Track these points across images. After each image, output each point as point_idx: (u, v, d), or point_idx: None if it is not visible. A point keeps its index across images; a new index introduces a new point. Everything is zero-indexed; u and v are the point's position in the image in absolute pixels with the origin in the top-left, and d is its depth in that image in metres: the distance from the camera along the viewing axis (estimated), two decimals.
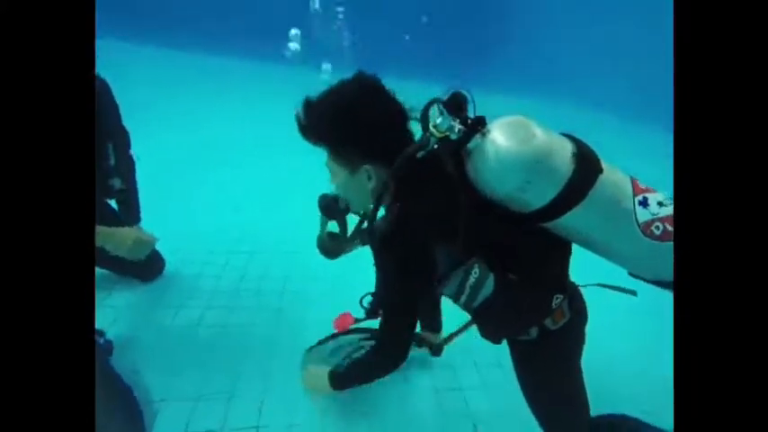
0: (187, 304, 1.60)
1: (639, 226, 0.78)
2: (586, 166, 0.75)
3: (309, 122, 0.84)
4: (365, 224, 0.99)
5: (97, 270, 1.54)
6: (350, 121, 0.81)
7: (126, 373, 1.22)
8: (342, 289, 1.65)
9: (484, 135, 0.76)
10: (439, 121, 0.76)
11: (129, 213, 1.45)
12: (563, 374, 0.98)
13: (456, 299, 0.89)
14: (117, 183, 1.37)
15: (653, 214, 0.78)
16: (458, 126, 0.76)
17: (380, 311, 0.96)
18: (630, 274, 0.88)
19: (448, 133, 0.76)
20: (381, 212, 0.90)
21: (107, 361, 1.24)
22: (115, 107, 1.39)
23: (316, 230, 1.16)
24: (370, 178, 0.85)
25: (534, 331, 0.91)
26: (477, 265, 0.82)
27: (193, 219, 2.19)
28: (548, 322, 0.90)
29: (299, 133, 0.86)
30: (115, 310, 1.50)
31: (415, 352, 1.38)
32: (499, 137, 0.74)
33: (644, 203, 0.79)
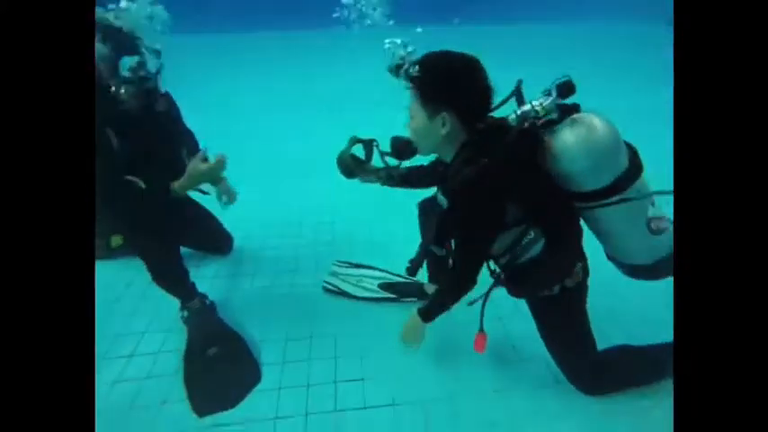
0: (260, 271, 1.91)
1: (647, 221, 1.00)
2: (636, 163, 0.98)
3: (421, 66, 0.97)
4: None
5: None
6: (454, 75, 0.95)
7: (231, 324, 1.56)
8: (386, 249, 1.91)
9: (574, 121, 0.94)
10: (548, 102, 0.95)
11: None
12: (578, 321, 1.20)
13: (501, 255, 1.10)
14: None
15: (654, 212, 0.99)
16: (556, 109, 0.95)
17: (453, 246, 1.14)
18: (608, 256, 1.16)
19: (550, 113, 0.95)
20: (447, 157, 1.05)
21: (216, 316, 1.58)
22: (180, 115, 1.53)
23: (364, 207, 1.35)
24: (444, 125, 0.98)
25: (557, 288, 1.12)
26: (532, 230, 1.03)
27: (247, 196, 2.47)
28: (567, 281, 1.11)
29: (398, 73, 1.02)
30: (206, 280, 1.83)
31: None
32: (585, 125, 0.93)
33: (653, 201, 1.01)
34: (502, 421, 1.25)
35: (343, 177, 1.33)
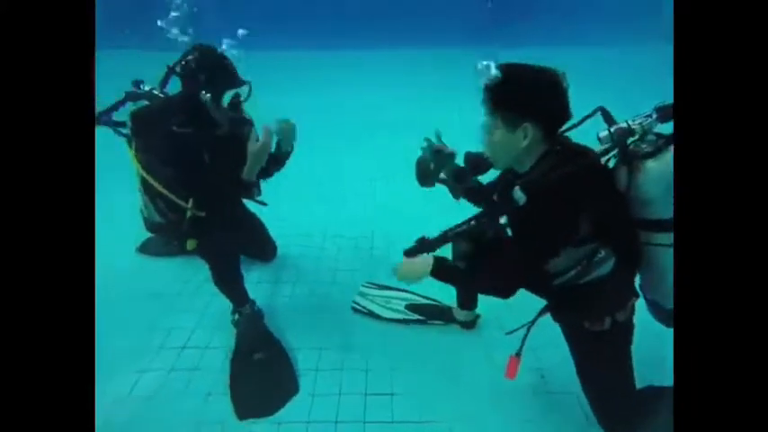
0: (302, 279, 2.04)
1: None
2: None
3: (505, 79, 0.97)
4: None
5: None
6: (536, 86, 0.97)
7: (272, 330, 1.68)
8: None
9: (667, 146, 0.94)
10: (647, 122, 0.97)
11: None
12: (623, 360, 1.17)
13: (566, 272, 1.08)
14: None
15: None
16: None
17: (512, 249, 1.11)
18: (648, 302, 1.14)
19: (647, 134, 0.97)
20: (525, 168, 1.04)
21: (263, 323, 1.70)
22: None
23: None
24: (526, 136, 0.98)
25: (608, 322, 1.09)
26: (603, 249, 1.05)
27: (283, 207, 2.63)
28: (618, 315, 1.10)
29: (484, 92, 1.00)
30: (253, 285, 1.98)
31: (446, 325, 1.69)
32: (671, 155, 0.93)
33: None
34: None
35: (417, 183, 1.36)
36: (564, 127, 1.03)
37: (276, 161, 1.58)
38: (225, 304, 1.70)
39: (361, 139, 3.94)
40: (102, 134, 1.19)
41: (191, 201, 1.42)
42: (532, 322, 1.20)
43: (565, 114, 0.99)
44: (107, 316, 1.40)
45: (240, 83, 1.40)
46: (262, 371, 1.51)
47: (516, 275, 1.06)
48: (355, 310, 1.83)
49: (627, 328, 1.14)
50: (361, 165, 3.30)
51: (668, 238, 1.00)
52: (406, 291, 1.88)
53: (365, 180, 3.02)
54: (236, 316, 1.67)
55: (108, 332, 1.46)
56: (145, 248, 2.22)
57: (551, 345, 1.48)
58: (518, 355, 1.22)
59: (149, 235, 2.16)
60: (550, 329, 1.27)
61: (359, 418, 1.36)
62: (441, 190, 1.42)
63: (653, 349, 1.24)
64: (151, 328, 1.73)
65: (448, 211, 1.52)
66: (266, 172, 1.56)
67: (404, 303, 1.82)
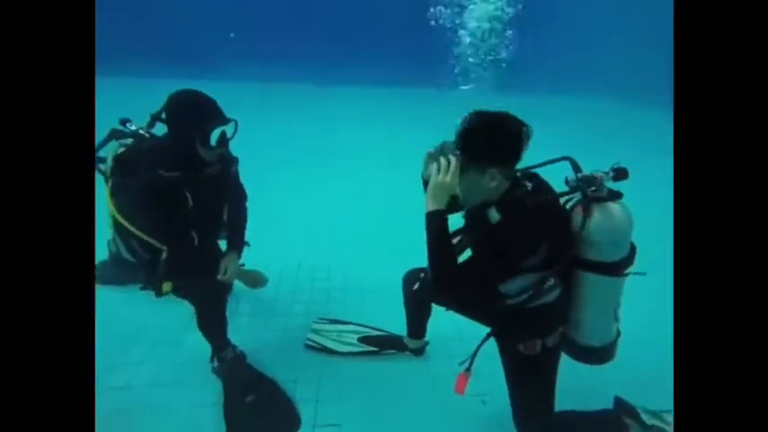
0: (291, 312, 2.06)
1: (616, 306, 1.23)
2: (633, 253, 1.19)
3: (473, 132, 1.10)
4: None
5: None
6: (497, 137, 1.10)
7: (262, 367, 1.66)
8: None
9: (614, 201, 1.14)
10: (605, 178, 1.14)
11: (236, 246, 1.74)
12: (549, 382, 1.31)
13: (518, 295, 1.19)
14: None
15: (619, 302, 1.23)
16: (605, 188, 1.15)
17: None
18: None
19: (600, 188, 1.14)
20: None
21: (247, 364, 1.66)
22: (237, 173, 1.65)
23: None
24: (493, 179, 1.11)
25: (539, 345, 1.23)
26: (552, 278, 1.17)
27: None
28: (548, 340, 1.24)
29: (458, 139, 1.12)
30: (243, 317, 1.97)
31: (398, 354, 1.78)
32: (620, 208, 1.13)
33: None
34: None
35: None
36: (532, 164, 1.19)
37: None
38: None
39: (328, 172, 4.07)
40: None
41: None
42: (481, 344, 1.30)
43: (518, 156, 1.12)
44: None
45: (226, 121, 1.41)
46: (259, 412, 1.48)
47: (467, 281, 1.14)
48: (309, 347, 1.85)
49: (554, 355, 1.29)
50: (327, 199, 3.40)
51: (598, 280, 1.17)
52: (356, 324, 1.94)
53: (331, 214, 3.12)
54: (216, 363, 1.62)
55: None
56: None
57: (492, 374, 1.60)
58: (467, 370, 1.30)
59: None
60: (491, 360, 1.36)
61: None
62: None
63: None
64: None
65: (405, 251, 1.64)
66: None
67: (355, 336, 1.88)
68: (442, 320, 1.72)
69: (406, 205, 2.05)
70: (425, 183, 1.26)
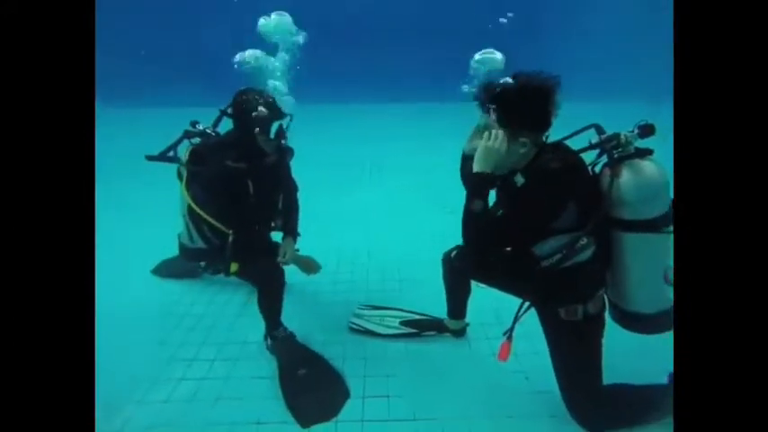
0: (333, 301, 2.17)
1: (665, 269, 1.21)
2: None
3: (507, 99, 1.15)
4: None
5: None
6: (529, 106, 1.15)
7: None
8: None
9: (643, 157, 1.17)
10: (631, 136, 1.17)
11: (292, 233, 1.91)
12: (593, 352, 1.32)
13: (549, 257, 1.23)
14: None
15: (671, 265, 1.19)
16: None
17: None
18: (610, 303, 1.32)
19: (630, 145, 1.16)
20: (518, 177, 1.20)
21: (297, 342, 1.79)
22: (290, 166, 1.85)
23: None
24: (524, 145, 1.17)
25: (581, 312, 1.27)
26: (585, 237, 1.20)
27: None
28: (590, 307, 1.27)
29: (482, 103, 1.19)
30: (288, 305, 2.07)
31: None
32: (652, 164, 1.16)
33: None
34: None
35: None
36: (562, 136, 1.25)
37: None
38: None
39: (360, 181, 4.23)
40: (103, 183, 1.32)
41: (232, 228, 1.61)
42: (520, 309, 1.34)
43: (549, 122, 1.17)
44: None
45: (282, 115, 1.59)
46: (310, 384, 1.61)
47: (494, 241, 1.25)
48: (353, 329, 1.95)
49: (598, 323, 1.31)
50: (362, 200, 3.53)
51: (635, 238, 1.20)
52: (397, 309, 2.03)
53: (365, 216, 3.26)
54: (270, 341, 1.77)
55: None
56: (158, 271, 2.40)
57: (534, 352, 1.66)
58: (509, 338, 1.35)
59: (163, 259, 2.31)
60: (533, 338, 1.43)
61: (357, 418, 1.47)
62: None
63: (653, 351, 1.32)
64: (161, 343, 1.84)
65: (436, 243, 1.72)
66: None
67: (397, 320, 1.97)
68: (481, 305, 1.80)
69: (437, 204, 2.14)
70: (465, 159, 1.35)
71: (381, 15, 8.67)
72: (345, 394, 1.57)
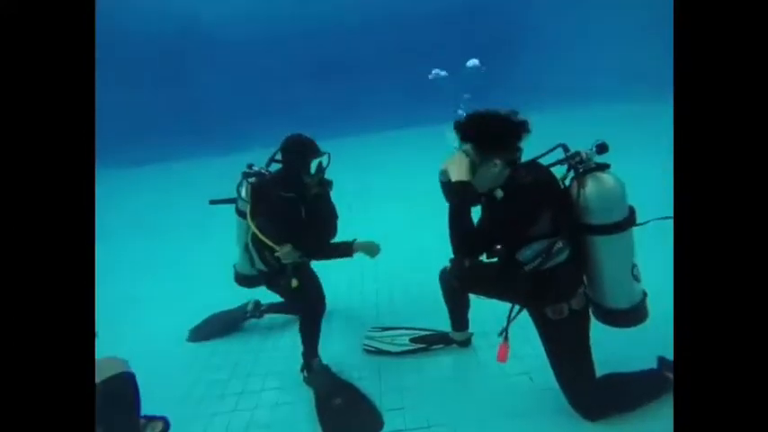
0: (347, 327, 2.19)
1: (632, 266, 1.40)
2: (633, 213, 1.39)
3: (472, 127, 1.36)
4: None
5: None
6: (499, 134, 1.35)
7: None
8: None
9: (603, 170, 1.36)
10: (590, 152, 1.38)
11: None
12: (583, 345, 1.47)
13: (531, 261, 1.38)
14: None
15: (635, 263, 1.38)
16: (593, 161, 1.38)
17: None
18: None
19: (590, 161, 1.36)
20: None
21: (332, 372, 1.89)
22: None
23: None
24: (495, 166, 1.34)
25: (566, 310, 1.42)
26: (560, 241, 1.37)
27: None
28: (573, 303, 1.42)
29: (458, 135, 1.38)
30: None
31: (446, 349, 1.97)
32: (610, 176, 1.35)
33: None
34: None
35: None
36: (535, 156, 1.45)
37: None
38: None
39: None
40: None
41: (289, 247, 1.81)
42: (510, 313, 1.48)
43: (515, 149, 1.37)
44: None
45: (321, 154, 1.90)
46: (343, 413, 1.71)
47: (478, 246, 1.40)
48: (367, 351, 2.10)
49: (582, 318, 1.46)
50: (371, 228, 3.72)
51: (602, 240, 1.37)
52: (406, 328, 2.18)
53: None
54: (306, 373, 1.91)
55: None
56: (196, 335, 2.44)
57: (535, 354, 1.77)
58: (505, 339, 1.47)
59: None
60: (533, 341, 1.56)
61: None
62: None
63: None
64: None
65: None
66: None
67: (407, 338, 2.11)
68: (485, 317, 1.94)
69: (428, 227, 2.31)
70: (443, 185, 1.56)
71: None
72: (380, 424, 1.65)
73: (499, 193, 1.38)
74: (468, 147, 1.39)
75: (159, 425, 1.19)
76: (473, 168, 1.37)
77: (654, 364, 1.61)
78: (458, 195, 1.37)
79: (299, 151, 1.86)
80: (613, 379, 1.53)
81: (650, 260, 1.56)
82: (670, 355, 1.60)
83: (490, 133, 1.36)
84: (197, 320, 2.49)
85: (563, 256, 1.40)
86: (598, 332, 1.49)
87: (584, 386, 1.49)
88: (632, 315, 1.43)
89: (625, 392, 1.52)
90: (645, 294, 1.46)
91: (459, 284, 1.76)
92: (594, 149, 1.38)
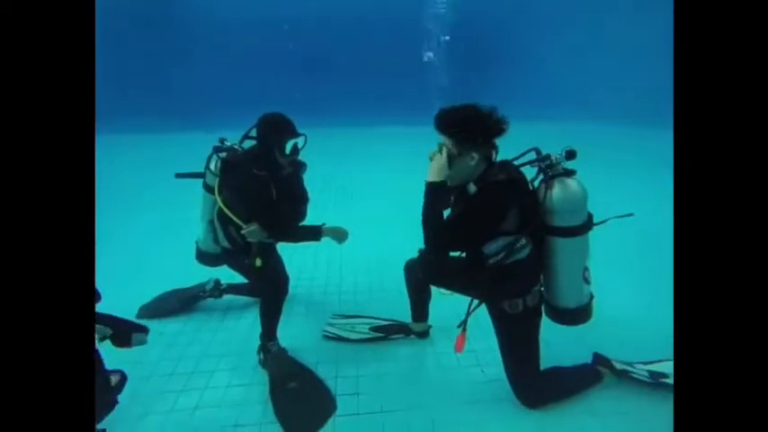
0: (307, 312, 2.18)
1: (584, 269, 1.49)
2: (590, 220, 1.47)
3: (453, 120, 1.41)
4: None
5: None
6: (478, 127, 1.40)
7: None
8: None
9: (569, 176, 1.43)
10: (560, 157, 1.44)
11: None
12: (533, 340, 1.56)
13: (495, 254, 1.44)
14: None
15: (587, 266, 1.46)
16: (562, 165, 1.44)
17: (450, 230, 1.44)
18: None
19: (559, 165, 1.43)
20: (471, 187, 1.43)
21: (289, 356, 1.87)
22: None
23: None
24: (473, 159, 1.41)
25: (521, 305, 1.50)
26: (524, 238, 1.43)
27: None
28: (528, 299, 1.50)
29: (438, 127, 1.41)
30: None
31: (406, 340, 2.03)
32: (575, 182, 1.42)
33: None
34: (472, 422, 1.55)
35: None
36: (510, 158, 1.51)
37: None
38: None
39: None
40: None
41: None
42: (470, 305, 1.55)
43: (492, 143, 1.45)
44: None
45: (297, 135, 1.85)
46: (300, 396, 1.70)
47: (455, 235, 1.44)
48: (326, 337, 2.10)
49: (536, 314, 1.55)
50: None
51: (561, 242, 1.44)
52: (367, 317, 2.20)
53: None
54: (262, 356, 1.89)
55: None
56: (145, 311, 2.33)
57: (488, 349, 1.85)
58: (464, 330, 1.54)
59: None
60: (490, 338, 1.63)
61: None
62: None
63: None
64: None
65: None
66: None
67: (367, 326, 2.13)
68: (444, 311, 1.97)
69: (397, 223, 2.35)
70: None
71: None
72: (333, 408, 1.65)
73: (472, 188, 1.43)
74: (447, 140, 1.43)
75: (117, 376, 1.24)
76: (450, 163, 1.42)
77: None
78: (433, 195, 1.42)
79: (274, 129, 1.81)
80: (552, 372, 1.64)
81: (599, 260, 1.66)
82: (613, 352, 1.74)
83: (471, 125, 1.41)
84: (149, 298, 2.39)
85: (524, 253, 1.47)
86: (547, 329, 1.58)
87: (529, 378, 1.58)
88: (579, 314, 1.53)
89: (562, 384, 1.64)
90: (591, 296, 1.56)
91: (424, 275, 1.80)
92: (564, 155, 1.46)
